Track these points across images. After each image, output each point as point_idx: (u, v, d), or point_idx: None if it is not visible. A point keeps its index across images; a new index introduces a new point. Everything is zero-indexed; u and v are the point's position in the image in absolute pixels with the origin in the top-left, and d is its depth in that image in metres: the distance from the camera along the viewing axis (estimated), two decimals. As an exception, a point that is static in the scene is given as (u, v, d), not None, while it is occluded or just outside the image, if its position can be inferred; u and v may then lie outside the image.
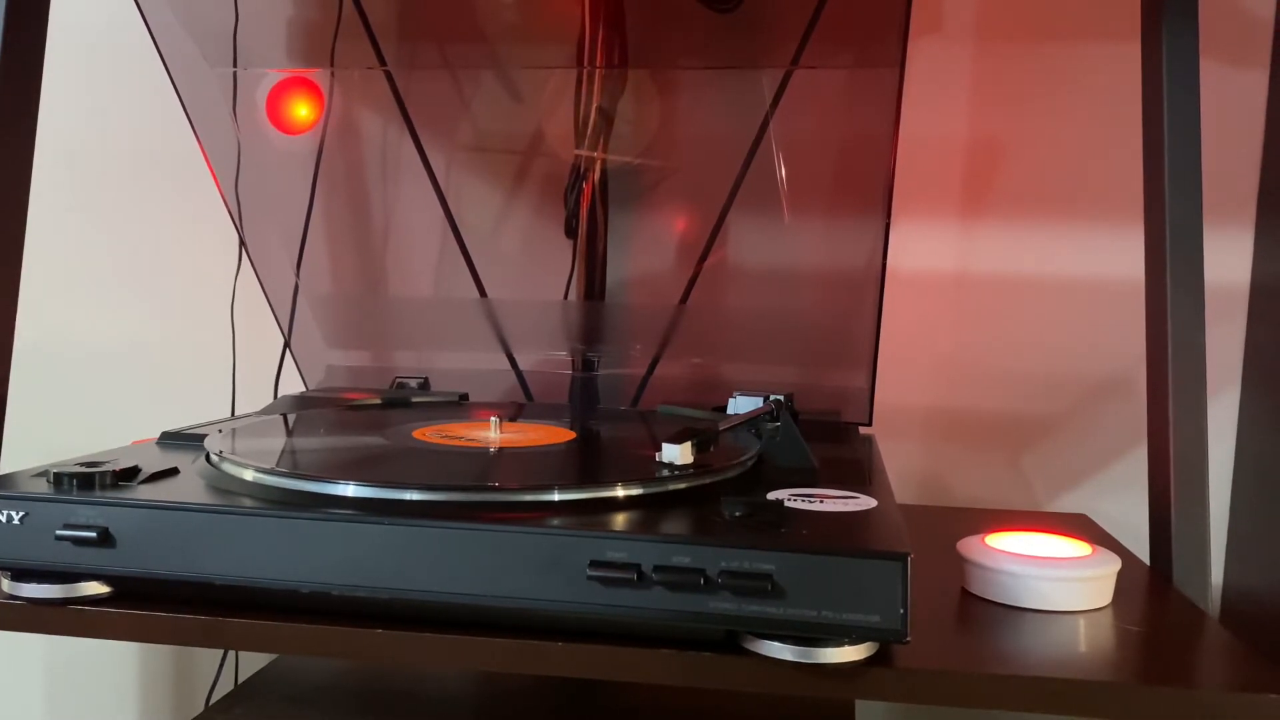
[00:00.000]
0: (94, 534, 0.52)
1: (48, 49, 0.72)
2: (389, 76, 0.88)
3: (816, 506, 0.54)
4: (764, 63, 0.82)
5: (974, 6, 0.93)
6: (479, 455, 0.64)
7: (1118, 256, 0.94)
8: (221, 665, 1.01)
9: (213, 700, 0.79)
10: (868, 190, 0.82)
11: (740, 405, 0.78)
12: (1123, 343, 0.94)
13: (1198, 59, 0.67)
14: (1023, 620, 0.57)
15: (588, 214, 0.89)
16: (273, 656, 0.81)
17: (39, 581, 0.53)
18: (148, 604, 0.53)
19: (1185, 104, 0.67)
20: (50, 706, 1.14)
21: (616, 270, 0.92)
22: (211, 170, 0.90)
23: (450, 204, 0.91)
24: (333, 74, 0.91)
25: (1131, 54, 0.71)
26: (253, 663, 0.96)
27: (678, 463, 0.57)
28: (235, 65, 0.88)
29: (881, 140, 0.76)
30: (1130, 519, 0.83)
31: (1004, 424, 0.96)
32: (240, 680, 0.79)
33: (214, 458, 0.60)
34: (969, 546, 0.62)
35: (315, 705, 0.71)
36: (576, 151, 0.88)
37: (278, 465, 0.57)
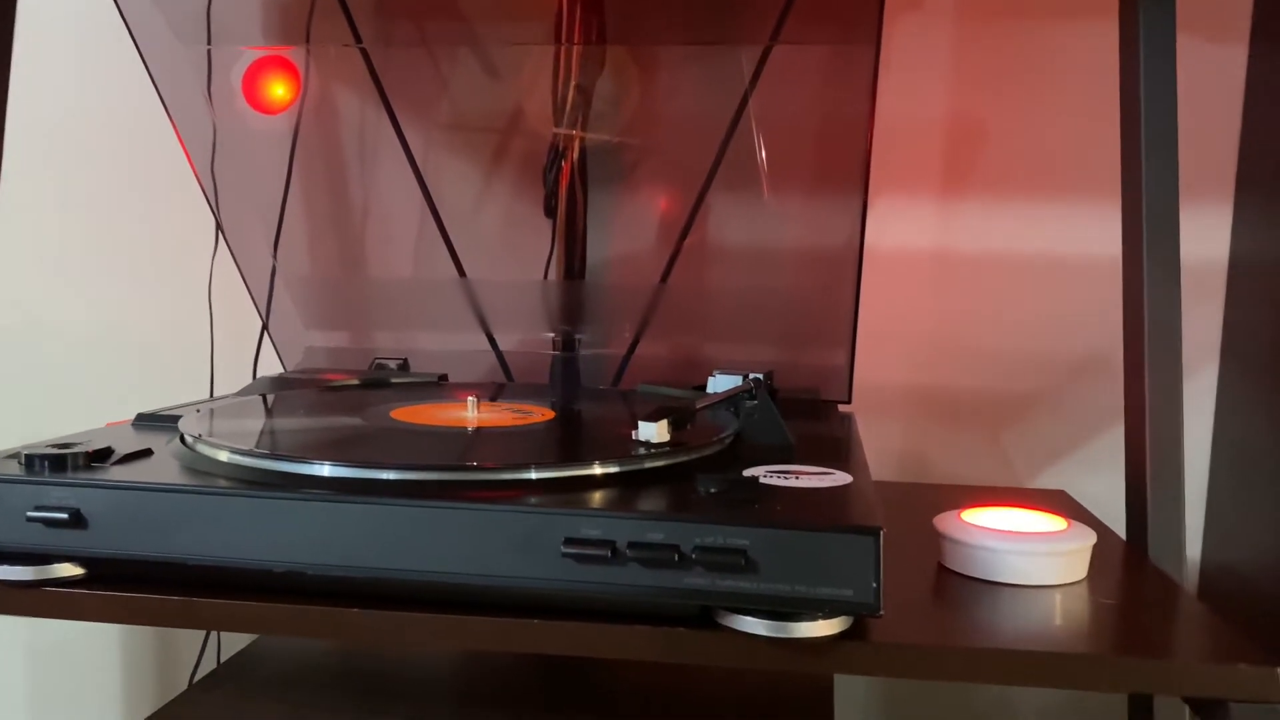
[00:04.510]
0: (65, 515, 0.51)
1: (16, 27, 0.71)
2: (365, 54, 0.87)
3: (791, 483, 0.54)
4: (743, 39, 0.81)
5: (954, -17, 0.93)
6: (456, 435, 0.63)
7: (1096, 234, 0.94)
8: (204, 646, 1.01)
9: (195, 680, 0.79)
10: (847, 168, 0.82)
11: (719, 384, 0.78)
12: (1102, 321, 0.94)
13: (1174, 34, 0.67)
14: (998, 594, 0.57)
15: (567, 193, 0.89)
16: (254, 636, 0.81)
17: (11, 563, 0.52)
18: (121, 585, 0.52)
19: (1162, 80, 0.67)
20: (33, 688, 1.13)
21: (596, 250, 0.91)
22: (186, 151, 0.89)
23: (428, 183, 0.90)
24: (308, 51, 0.90)
25: (1111, 31, 0.71)
26: (236, 643, 0.96)
27: (654, 441, 0.58)
28: (209, 43, 0.87)
29: (859, 118, 0.75)
30: (1109, 495, 0.83)
31: (983, 402, 0.97)
32: (222, 660, 0.79)
33: (188, 439, 0.60)
34: (945, 522, 0.62)
35: (296, 684, 0.71)
36: (555, 130, 0.87)
37: (253, 446, 0.57)
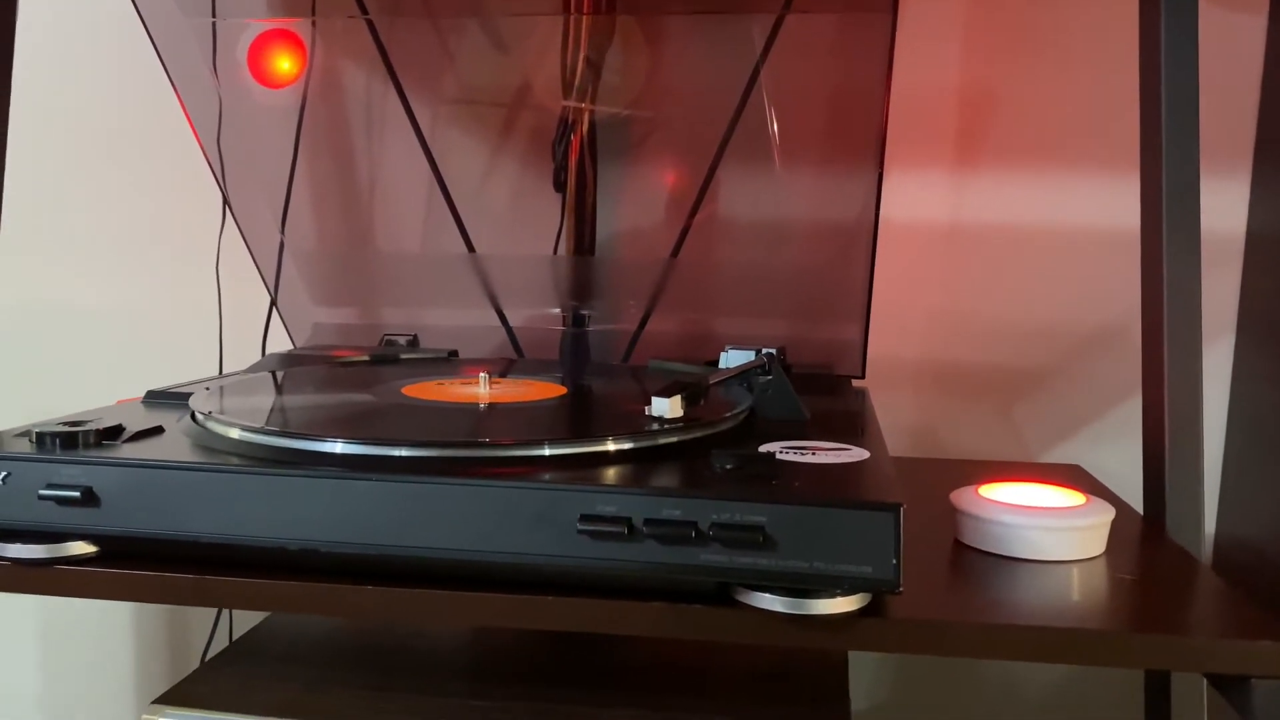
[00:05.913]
0: (77, 493, 0.51)
1: (20, 6, 0.70)
2: (371, 26, 0.86)
3: (808, 459, 0.53)
4: (755, 7, 0.80)
5: (968, -50, 0.92)
6: (468, 411, 0.63)
7: (1113, 205, 0.93)
8: (216, 623, 1.01)
9: (208, 658, 0.79)
10: (860, 140, 0.81)
11: (732, 359, 0.77)
12: (1117, 293, 0.93)
13: (1196, 2, 0.66)
14: (1016, 570, 0.56)
15: (576, 167, 0.88)
16: (266, 614, 0.81)
17: (23, 542, 0.52)
18: (134, 563, 0.52)
19: (1183, 49, 0.66)
20: (45, 666, 1.14)
21: (606, 224, 0.90)
22: (192, 126, 0.88)
23: (436, 157, 0.89)
24: (314, 24, 0.89)
25: (1128, -3, 0.70)
26: (248, 621, 0.96)
27: (667, 416, 0.57)
28: (214, 16, 0.86)
29: (874, 88, 0.74)
30: (1124, 469, 0.83)
31: (997, 375, 0.96)
32: (235, 638, 0.79)
33: (199, 416, 0.59)
34: (962, 497, 0.62)
35: (308, 662, 0.71)
36: (564, 103, 0.86)
37: (264, 423, 0.56)
